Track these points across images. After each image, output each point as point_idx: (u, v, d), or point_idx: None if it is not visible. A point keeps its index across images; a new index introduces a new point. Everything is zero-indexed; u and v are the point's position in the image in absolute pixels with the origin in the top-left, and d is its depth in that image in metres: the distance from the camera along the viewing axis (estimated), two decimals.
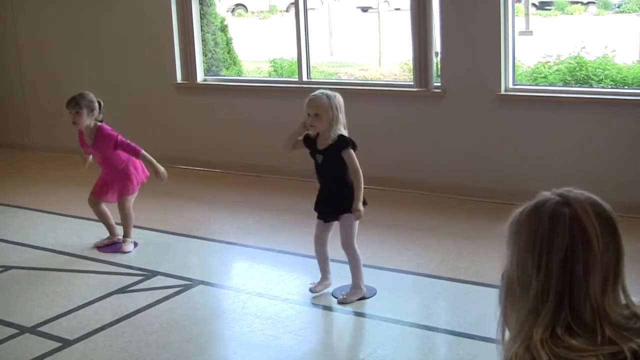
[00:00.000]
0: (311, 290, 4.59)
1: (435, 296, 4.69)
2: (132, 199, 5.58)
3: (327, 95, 4.32)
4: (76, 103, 5.35)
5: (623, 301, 1.69)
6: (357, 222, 4.46)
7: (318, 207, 4.54)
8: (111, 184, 5.54)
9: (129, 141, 5.43)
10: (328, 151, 4.37)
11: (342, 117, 4.34)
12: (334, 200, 4.44)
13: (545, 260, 1.65)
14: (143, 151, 5.44)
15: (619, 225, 1.71)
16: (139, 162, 5.55)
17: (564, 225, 1.66)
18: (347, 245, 4.49)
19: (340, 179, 4.40)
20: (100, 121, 5.47)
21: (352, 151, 4.35)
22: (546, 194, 1.76)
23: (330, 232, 4.54)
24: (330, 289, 4.63)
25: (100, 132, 5.41)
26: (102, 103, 5.47)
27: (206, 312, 4.55)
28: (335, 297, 4.54)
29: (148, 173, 5.58)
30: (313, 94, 4.37)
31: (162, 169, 5.46)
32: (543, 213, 1.71)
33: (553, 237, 1.66)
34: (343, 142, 4.34)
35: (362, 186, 4.36)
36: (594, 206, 1.69)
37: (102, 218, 5.67)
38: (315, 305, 4.54)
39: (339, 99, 4.35)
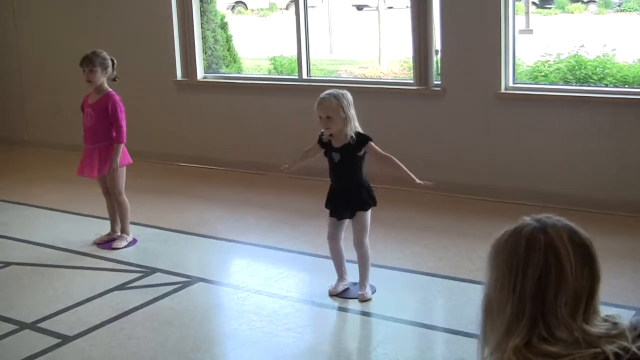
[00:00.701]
0: (331, 293, 4.57)
1: (434, 294, 4.70)
2: (121, 183, 5.53)
3: (335, 96, 4.31)
4: (90, 61, 5.39)
5: (598, 318, 1.76)
6: (370, 220, 4.47)
7: (331, 204, 4.52)
8: (90, 158, 5.49)
9: (123, 126, 5.40)
10: (345, 149, 4.37)
11: (353, 112, 4.35)
12: (349, 199, 4.44)
13: (520, 283, 1.72)
14: (124, 144, 5.43)
15: (595, 253, 1.78)
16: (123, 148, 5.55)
17: (539, 250, 1.73)
18: (360, 244, 4.50)
19: (355, 177, 4.42)
20: (115, 79, 5.51)
21: (370, 139, 4.39)
22: (526, 220, 1.81)
23: (344, 229, 4.54)
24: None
25: (108, 95, 5.42)
26: (115, 61, 5.50)
27: (205, 309, 4.55)
28: (332, 297, 4.56)
29: (131, 160, 5.58)
30: (321, 96, 4.36)
31: (114, 166, 5.41)
32: (521, 238, 1.76)
33: (528, 261, 1.73)
34: (364, 139, 4.36)
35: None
36: (570, 233, 1.76)
37: (110, 213, 5.69)
38: (314, 302, 4.54)
39: (348, 96, 4.35)
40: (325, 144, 4.46)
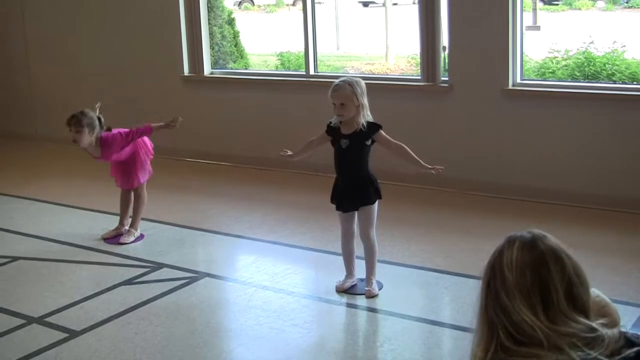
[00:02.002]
0: (338, 289, 4.58)
1: (441, 291, 4.69)
2: (144, 183, 5.62)
3: (350, 83, 4.35)
4: (77, 121, 5.23)
5: (578, 318, 1.81)
6: (376, 211, 4.49)
7: (336, 199, 4.52)
8: (127, 172, 5.55)
9: (134, 129, 5.40)
10: (355, 136, 4.37)
11: (366, 101, 4.37)
12: (353, 192, 4.45)
13: (484, 295, 1.91)
14: (152, 125, 5.46)
15: (554, 263, 1.84)
16: (146, 142, 5.58)
17: (492, 259, 1.90)
18: (366, 236, 4.50)
19: (361, 168, 4.42)
20: (108, 129, 5.40)
21: (380, 127, 4.41)
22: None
23: (355, 221, 4.55)
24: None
25: (106, 143, 5.34)
26: (102, 119, 5.37)
27: (212, 304, 4.56)
28: (339, 293, 4.56)
29: (152, 151, 5.63)
30: (335, 83, 4.38)
31: (170, 121, 5.51)
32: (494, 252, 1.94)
33: (487, 272, 1.91)
34: (374, 127, 4.39)
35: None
36: (523, 243, 1.88)
37: (123, 206, 5.70)
38: (320, 298, 4.54)
39: (362, 84, 4.38)
40: (333, 131, 4.46)
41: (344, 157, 4.44)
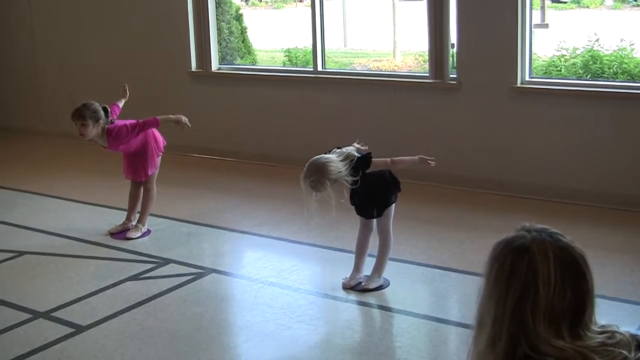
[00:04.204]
0: (344, 286, 4.57)
1: (448, 288, 4.68)
2: (154, 177, 5.62)
3: (314, 185, 4.13)
4: (80, 115, 5.24)
5: (594, 329, 1.69)
6: (393, 210, 4.51)
7: (356, 206, 4.51)
8: (135, 164, 5.57)
9: (142, 121, 5.38)
10: (357, 180, 4.28)
11: (337, 169, 4.16)
12: (373, 200, 4.46)
13: (502, 300, 1.69)
14: (159, 118, 5.45)
15: (586, 268, 1.70)
16: (158, 138, 5.59)
17: (522, 269, 1.67)
18: (382, 229, 4.53)
19: (376, 181, 4.41)
20: (112, 122, 5.39)
21: (370, 162, 4.30)
22: (521, 231, 1.75)
23: (374, 223, 4.57)
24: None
25: (111, 135, 5.33)
26: (108, 109, 5.38)
27: (218, 300, 4.55)
28: (345, 290, 4.55)
29: (162, 148, 5.63)
30: (304, 188, 4.17)
31: (181, 116, 5.54)
32: (510, 253, 1.71)
33: (511, 280, 1.68)
34: (362, 164, 4.26)
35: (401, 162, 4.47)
36: (558, 251, 1.68)
37: (131, 200, 5.71)
38: (327, 295, 4.54)
39: (323, 171, 4.13)
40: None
41: (361, 186, 4.29)
